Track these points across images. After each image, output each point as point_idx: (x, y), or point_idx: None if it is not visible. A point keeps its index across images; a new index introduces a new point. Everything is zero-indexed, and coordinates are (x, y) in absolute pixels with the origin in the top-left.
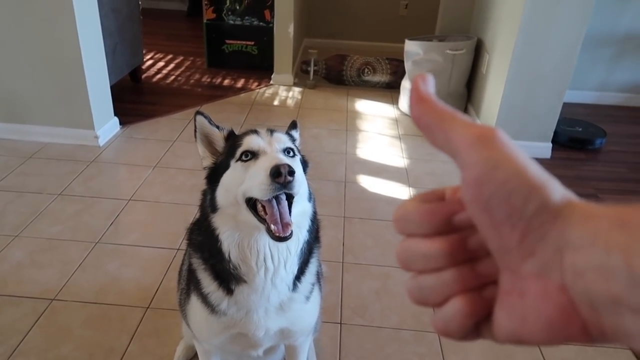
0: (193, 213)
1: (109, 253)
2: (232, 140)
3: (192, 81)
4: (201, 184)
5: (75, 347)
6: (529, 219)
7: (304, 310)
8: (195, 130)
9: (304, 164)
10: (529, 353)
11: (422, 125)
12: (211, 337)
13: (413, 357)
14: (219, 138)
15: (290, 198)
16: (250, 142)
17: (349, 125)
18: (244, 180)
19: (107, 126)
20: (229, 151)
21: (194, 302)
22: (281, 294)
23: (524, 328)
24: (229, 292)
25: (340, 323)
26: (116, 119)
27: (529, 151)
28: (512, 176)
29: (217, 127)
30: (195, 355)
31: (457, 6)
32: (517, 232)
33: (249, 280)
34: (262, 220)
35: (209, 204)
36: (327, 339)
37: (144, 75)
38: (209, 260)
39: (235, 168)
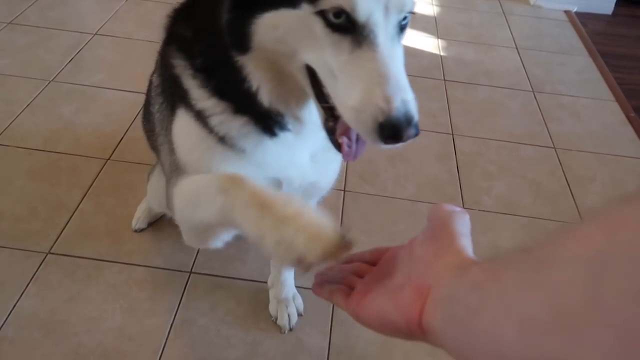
0: None
1: (65, 94)
2: None
3: None
4: None
5: (14, 201)
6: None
7: (334, 163)
8: None
9: None
10: None
11: None
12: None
13: None
14: None
15: None
16: None
17: None
18: (321, 56)
19: None
20: None
21: (188, 123)
22: (319, 140)
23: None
24: (269, 129)
25: (344, 190)
26: None
27: (586, 4)
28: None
29: None
30: (161, 218)
31: None
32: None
33: (292, 129)
34: (328, 110)
35: (231, 33)
36: (327, 208)
37: None
38: (225, 94)
39: (306, 20)
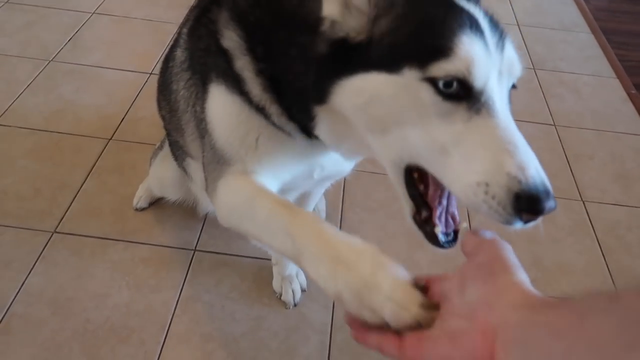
0: (171, 32)
1: (65, 74)
2: (414, 12)
3: None
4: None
5: (17, 180)
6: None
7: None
8: None
9: None
10: (571, 212)
11: None
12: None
13: None
14: None
15: None
16: (474, 58)
17: None
18: (424, 130)
19: None
20: (410, 43)
21: (226, 99)
22: None
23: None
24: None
25: None
26: None
27: None
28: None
29: None
30: (159, 199)
31: None
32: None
33: None
34: (420, 199)
35: (313, 84)
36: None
37: None
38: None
39: (408, 89)
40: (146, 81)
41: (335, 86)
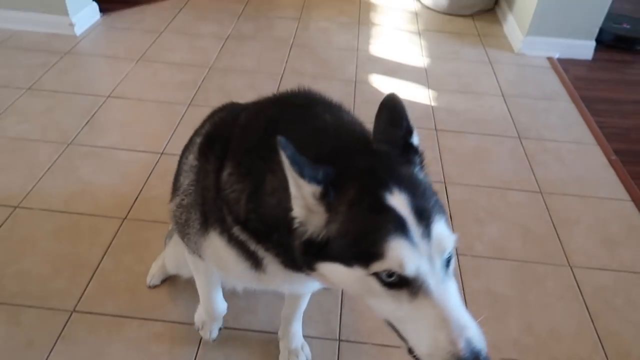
0: (180, 113)
1: (83, 156)
2: (352, 219)
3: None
4: (191, 80)
5: (39, 261)
6: None
7: None
8: (287, 160)
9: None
10: (559, 277)
11: None
12: (236, 281)
13: None
14: (307, 192)
15: None
16: (401, 260)
17: (362, 18)
18: (384, 307)
19: (84, 12)
20: (353, 248)
21: (222, 246)
22: None
23: None
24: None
25: None
26: (95, 5)
27: (568, 51)
28: None
29: (302, 174)
30: (171, 276)
31: None
32: None
33: None
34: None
35: (301, 260)
36: None
37: None
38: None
39: (364, 282)
40: (157, 161)
41: (317, 264)
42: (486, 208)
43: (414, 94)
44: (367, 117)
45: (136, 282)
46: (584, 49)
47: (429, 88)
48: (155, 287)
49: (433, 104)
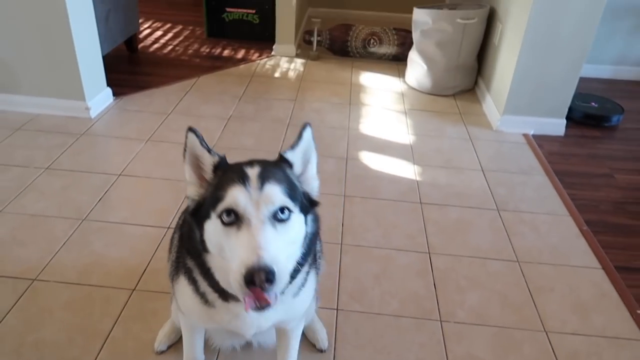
0: (185, 189)
1: (96, 231)
2: (217, 178)
3: (190, 51)
4: None
5: (55, 331)
6: None
7: (295, 303)
8: (184, 149)
9: (309, 201)
10: (535, 342)
11: None
12: (201, 323)
13: (413, 346)
14: (208, 164)
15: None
16: (235, 198)
17: (353, 99)
18: (224, 248)
19: (99, 97)
20: (212, 196)
21: (186, 288)
22: None
23: None
24: (224, 299)
25: (337, 309)
26: (109, 90)
27: (541, 128)
28: None
29: (209, 150)
30: (179, 340)
31: None
32: None
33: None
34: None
35: (199, 242)
36: (323, 326)
37: (140, 45)
38: (204, 275)
39: (215, 225)
40: (164, 234)
41: (202, 226)
42: (467, 276)
43: (401, 170)
44: (356, 190)
45: (144, 349)
46: (556, 126)
47: (414, 163)
48: (162, 352)
49: (418, 178)
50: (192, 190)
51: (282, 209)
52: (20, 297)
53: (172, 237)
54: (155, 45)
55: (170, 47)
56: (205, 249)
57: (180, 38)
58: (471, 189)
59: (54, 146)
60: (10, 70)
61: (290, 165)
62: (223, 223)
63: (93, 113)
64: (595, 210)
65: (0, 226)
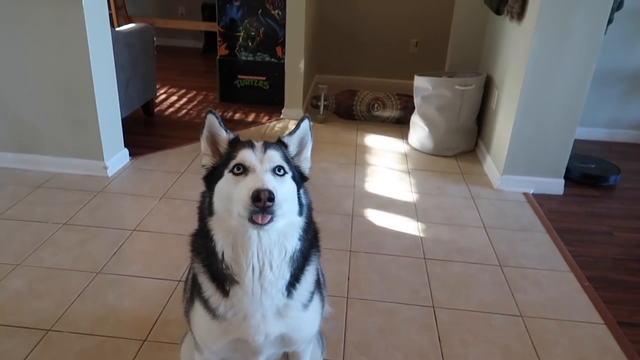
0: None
1: (109, 283)
2: (230, 148)
3: (203, 114)
4: None
5: None
6: None
7: (303, 319)
8: (203, 127)
9: (300, 176)
10: None
11: None
12: (213, 343)
13: None
14: (224, 141)
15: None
16: (244, 156)
17: (358, 159)
18: (232, 194)
19: (116, 157)
20: (226, 159)
21: (197, 308)
22: (275, 299)
23: None
24: (225, 293)
25: None
26: (126, 151)
27: (541, 187)
28: None
29: (225, 130)
30: None
31: (467, 45)
32: None
33: (240, 280)
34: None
35: (206, 207)
36: None
37: (156, 109)
38: (206, 262)
39: (227, 178)
40: (175, 287)
41: (214, 187)
42: (471, 330)
43: (405, 226)
44: (362, 246)
45: None
46: (555, 185)
47: (417, 220)
48: None
49: (421, 235)
50: (207, 159)
51: (279, 168)
52: (34, 347)
53: (186, 279)
54: (171, 109)
55: (184, 111)
56: (210, 212)
57: (194, 102)
58: (473, 245)
59: (72, 203)
60: (36, 132)
61: (285, 146)
62: (234, 174)
63: (110, 172)
64: (596, 267)
65: (18, 278)
